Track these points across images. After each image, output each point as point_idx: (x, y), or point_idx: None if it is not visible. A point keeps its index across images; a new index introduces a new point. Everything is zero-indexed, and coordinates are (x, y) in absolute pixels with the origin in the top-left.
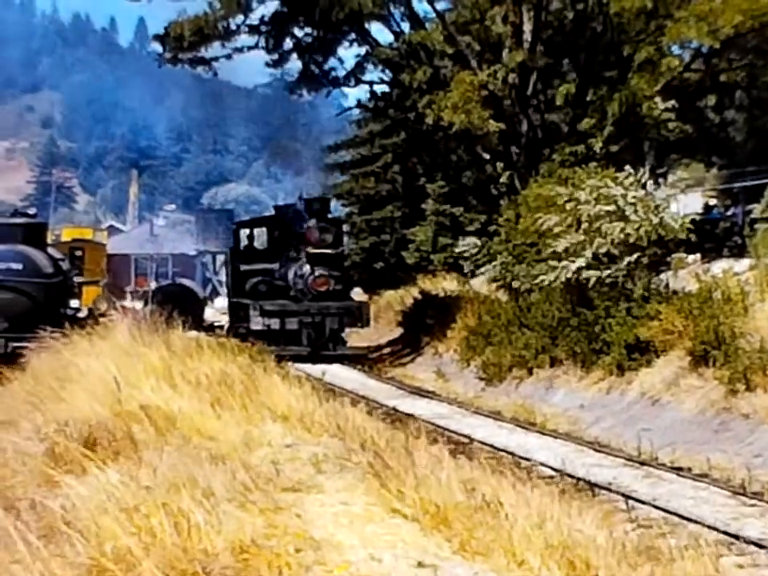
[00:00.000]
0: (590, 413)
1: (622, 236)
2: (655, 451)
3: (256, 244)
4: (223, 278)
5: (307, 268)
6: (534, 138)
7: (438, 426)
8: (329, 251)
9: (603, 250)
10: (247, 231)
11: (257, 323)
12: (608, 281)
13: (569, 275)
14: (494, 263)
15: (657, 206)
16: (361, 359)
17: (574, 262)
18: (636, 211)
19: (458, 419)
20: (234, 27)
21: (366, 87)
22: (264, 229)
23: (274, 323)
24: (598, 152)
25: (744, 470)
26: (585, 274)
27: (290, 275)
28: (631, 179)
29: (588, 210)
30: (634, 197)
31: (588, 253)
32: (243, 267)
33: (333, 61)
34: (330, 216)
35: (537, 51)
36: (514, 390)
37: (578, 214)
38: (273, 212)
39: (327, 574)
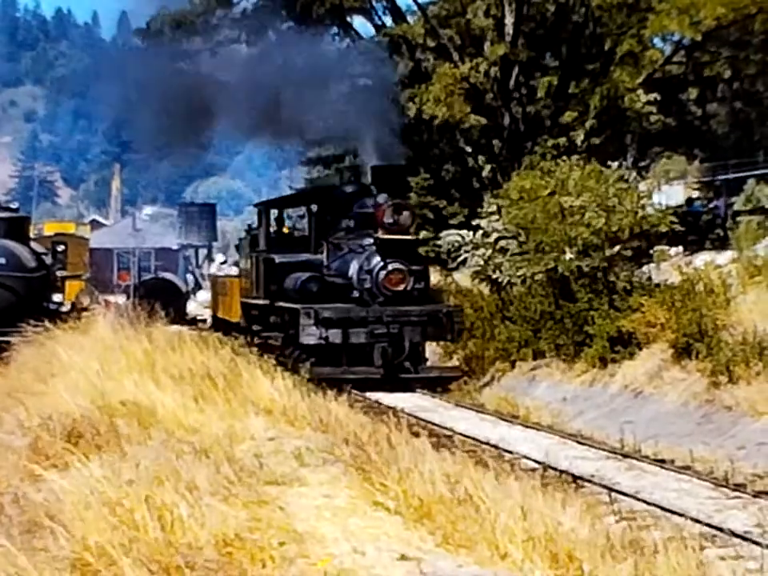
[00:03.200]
0: (572, 405)
1: (605, 227)
2: (638, 444)
3: (288, 228)
4: (208, 270)
5: (377, 260)
6: (516, 130)
7: (421, 419)
8: (406, 237)
9: (588, 243)
10: (276, 212)
11: (310, 335)
12: (589, 272)
13: (560, 267)
14: (476, 256)
15: (640, 198)
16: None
17: (565, 252)
18: (620, 203)
19: (441, 412)
20: (215, 21)
21: None
22: (303, 209)
23: (335, 335)
24: (580, 145)
25: (727, 461)
26: (570, 264)
27: (352, 270)
28: (616, 175)
29: (571, 201)
30: (618, 188)
31: (573, 243)
32: (278, 259)
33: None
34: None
35: (518, 44)
36: (497, 383)
37: (563, 205)
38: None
39: (310, 567)
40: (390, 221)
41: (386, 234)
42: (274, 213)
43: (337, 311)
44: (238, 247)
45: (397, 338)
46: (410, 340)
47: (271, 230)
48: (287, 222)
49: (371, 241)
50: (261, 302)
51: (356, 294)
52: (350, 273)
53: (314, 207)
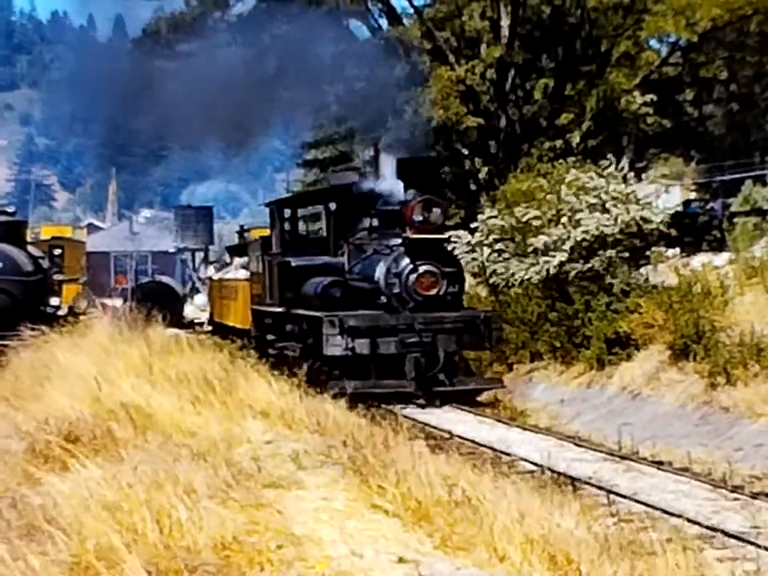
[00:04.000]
0: (570, 407)
1: (601, 228)
2: (636, 445)
3: (303, 229)
4: (205, 273)
5: (406, 262)
6: (512, 132)
7: (418, 421)
8: (438, 236)
9: (584, 244)
10: (290, 212)
11: (335, 346)
12: (588, 274)
13: (550, 270)
14: (472, 258)
15: (638, 200)
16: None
17: (554, 256)
18: (616, 205)
19: (438, 414)
20: (211, 24)
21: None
22: (321, 207)
23: (362, 346)
24: (577, 147)
25: (725, 463)
26: (565, 267)
27: (378, 273)
28: (612, 168)
29: (569, 203)
30: (614, 189)
31: (567, 246)
32: (295, 262)
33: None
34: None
35: (514, 46)
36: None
37: (559, 207)
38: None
39: (308, 569)
40: (420, 218)
41: (415, 234)
42: (287, 212)
43: (364, 319)
44: (229, 249)
45: (430, 348)
46: (444, 349)
47: (285, 230)
48: (300, 223)
49: (399, 241)
50: (275, 309)
51: (383, 299)
52: (376, 276)
53: (333, 205)
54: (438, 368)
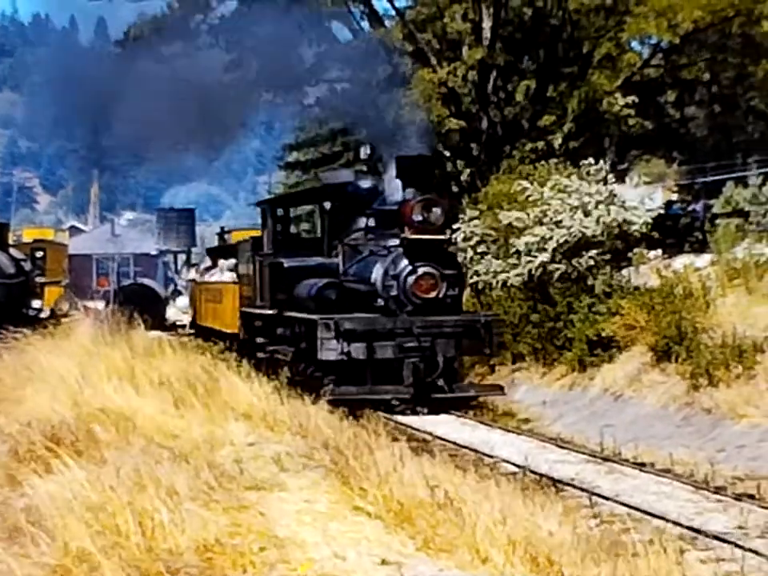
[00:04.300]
0: (552, 409)
1: (582, 229)
2: (618, 447)
3: (295, 228)
4: (187, 275)
5: (404, 264)
6: (494, 134)
7: (400, 424)
8: (438, 237)
9: (565, 247)
10: (282, 211)
11: (330, 350)
12: (571, 276)
13: (532, 271)
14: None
15: (615, 198)
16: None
17: (536, 257)
18: (597, 207)
19: (420, 416)
20: (193, 26)
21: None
22: (315, 206)
23: (358, 350)
24: (559, 148)
25: (707, 464)
26: (548, 267)
27: (375, 275)
28: (593, 170)
29: (552, 205)
30: (597, 191)
31: (550, 245)
32: (287, 263)
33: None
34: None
35: (496, 48)
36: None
37: (541, 210)
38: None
39: (291, 572)
40: (419, 218)
41: (414, 234)
42: (279, 212)
43: (360, 322)
44: (209, 252)
45: (429, 353)
46: (443, 354)
47: (277, 231)
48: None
49: (397, 242)
50: (266, 311)
51: (380, 302)
52: (373, 278)
53: (327, 205)
54: (437, 374)
